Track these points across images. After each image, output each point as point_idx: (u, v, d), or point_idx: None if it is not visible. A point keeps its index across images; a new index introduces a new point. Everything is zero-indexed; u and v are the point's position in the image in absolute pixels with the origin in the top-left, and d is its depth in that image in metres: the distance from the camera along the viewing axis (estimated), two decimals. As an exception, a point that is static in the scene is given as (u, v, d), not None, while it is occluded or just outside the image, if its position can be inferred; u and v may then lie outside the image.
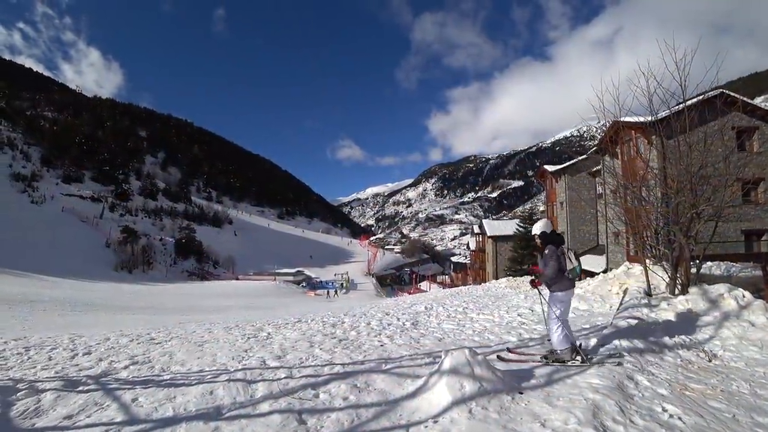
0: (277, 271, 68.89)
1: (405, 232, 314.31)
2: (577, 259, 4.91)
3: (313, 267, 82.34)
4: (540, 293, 5.49)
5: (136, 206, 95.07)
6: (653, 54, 8.01)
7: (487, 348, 6.37)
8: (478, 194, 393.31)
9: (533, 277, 5.22)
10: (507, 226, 46.97)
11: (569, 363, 4.89)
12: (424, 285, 65.31)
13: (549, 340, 5.20)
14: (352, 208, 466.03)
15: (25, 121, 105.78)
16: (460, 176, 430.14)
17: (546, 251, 4.87)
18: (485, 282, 36.94)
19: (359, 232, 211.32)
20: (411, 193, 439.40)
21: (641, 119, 9.53)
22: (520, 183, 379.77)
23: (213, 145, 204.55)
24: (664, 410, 3.75)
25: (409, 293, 50.31)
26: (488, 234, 47.93)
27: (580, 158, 31.65)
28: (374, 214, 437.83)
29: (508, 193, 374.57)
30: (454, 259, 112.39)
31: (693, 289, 7.88)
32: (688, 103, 8.21)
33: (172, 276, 68.14)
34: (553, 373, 4.71)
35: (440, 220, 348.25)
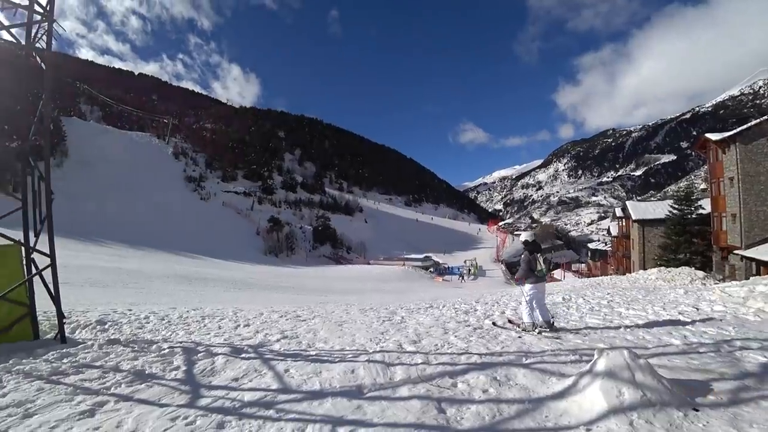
0: (405, 256, 70.88)
1: (535, 216, 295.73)
2: (544, 263, 6.81)
3: (441, 253, 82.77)
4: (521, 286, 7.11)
5: (279, 199, 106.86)
6: None
7: (644, 350, 5.46)
8: (619, 173, 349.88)
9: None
10: (657, 209, 40.58)
11: (529, 332, 6.61)
12: (557, 273, 60.81)
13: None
14: (478, 193, 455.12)
15: (193, 133, 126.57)
16: (597, 153, 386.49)
17: (522, 256, 6.82)
18: (630, 272, 32.68)
19: (486, 217, 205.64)
20: (541, 175, 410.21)
21: None
22: (671, 157, 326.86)
23: (342, 139, 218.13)
24: None
25: (542, 281, 47.23)
26: (633, 218, 42.01)
27: (761, 119, 25.68)
28: (502, 198, 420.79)
29: (655, 170, 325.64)
30: (591, 245, 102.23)
31: None
32: None
33: (311, 260, 75.15)
34: (739, 390, 3.79)
35: (575, 203, 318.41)
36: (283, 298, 19.57)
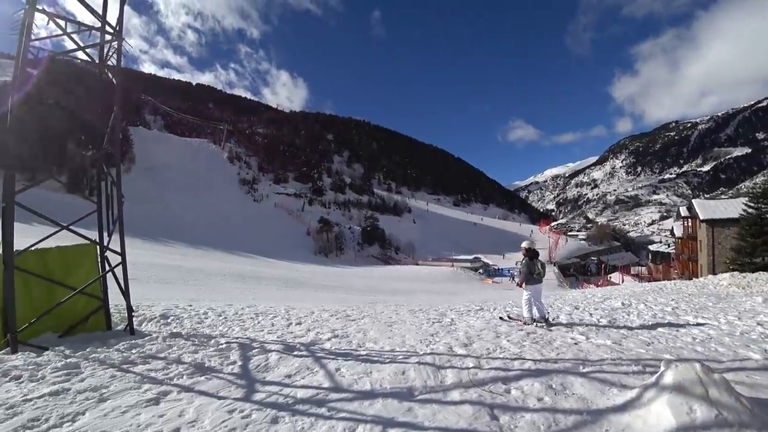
0: (454, 257, 70.04)
1: (590, 216, 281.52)
2: (542, 266, 7.84)
3: (491, 254, 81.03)
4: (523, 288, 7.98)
5: (328, 200, 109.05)
6: None
7: (718, 363, 5.01)
8: (684, 168, 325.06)
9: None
10: (729, 207, 37.12)
11: (528, 325, 7.71)
12: (615, 276, 57.57)
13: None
14: (529, 192, 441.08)
15: (246, 138, 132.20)
16: (658, 148, 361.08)
17: (523, 261, 7.86)
18: (697, 277, 30.28)
19: (538, 217, 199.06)
20: (596, 173, 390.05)
21: None
22: (745, 150, 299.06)
23: (389, 140, 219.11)
24: None
25: (597, 285, 45.21)
26: (701, 217, 38.72)
27: None
28: (554, 197, 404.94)
29: (726, 165, 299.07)
30: (652, 247, 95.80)
31: None
32: None
33: (360, 260, 75.99)
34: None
35: (633, 202, 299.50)
36: (332, 297, 19.92)
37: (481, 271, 60.91)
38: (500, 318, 8.73)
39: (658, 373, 3.66)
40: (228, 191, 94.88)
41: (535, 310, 7.83)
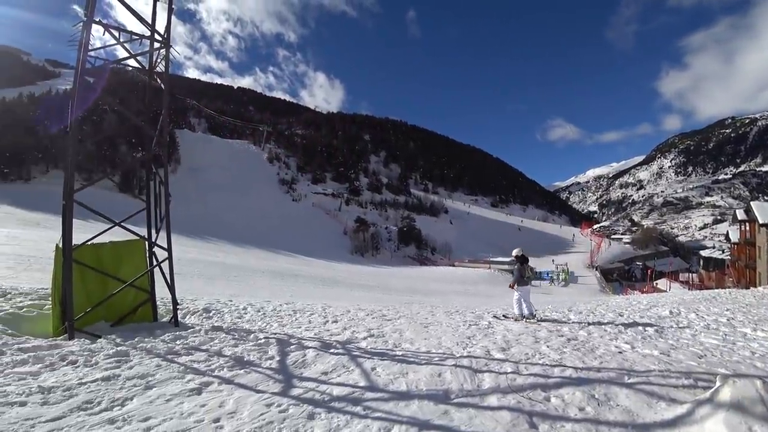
0: (491, 259, 68.75)
1: (636, 219, 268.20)
2: (531, 271, 9.13)
3: (530, 256, 78.96)
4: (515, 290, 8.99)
5: (365, 200, 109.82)
6: None
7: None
8: (740, 168, 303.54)
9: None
10: (794, 210, 34.70)
11: (518, 321, 8.73)
12: (661, 283, 54.67)
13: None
14: (570, 193, 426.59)
15: (285, 139, 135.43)
16: (711, 147, 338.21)
17: (516, 266, 8.89)
18: (756, 286, 28.31)
19: (579, 219, 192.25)
20: (642, 173, 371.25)
21: None
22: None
23: (426, 140, 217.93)
24: None
25: (642, 291, 43.09)
26: (761, 221, 36.17)
27: None
28: (597, 199, 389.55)
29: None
30: (704, 253, 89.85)
31: None
32: None
33: (396, 260, 76.03)
34: None
35: (683, 204, 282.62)
36: (368, 296, 20.04)
37: (519, 273, 59.40)
38: (495, 317, 9.57)
39: (713, 389, 3.44)
40: (267, 191, 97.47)
41: (524, 308, 8.90)
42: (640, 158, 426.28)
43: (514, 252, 9.13)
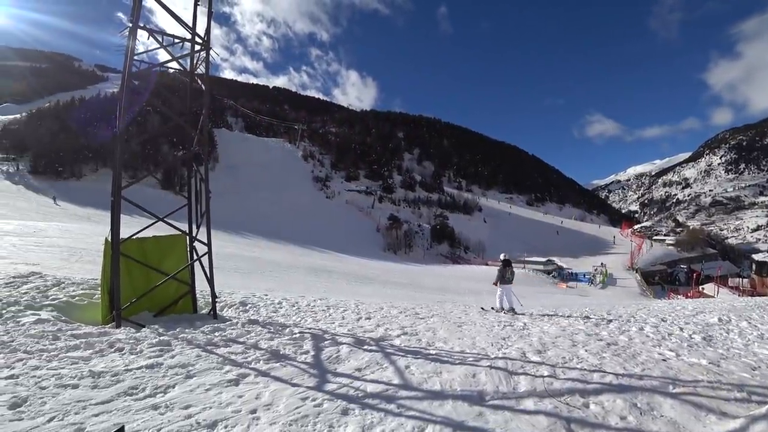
0: (526, 258, 67.27)
1: (681, 219, 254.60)
2: (511, 273, 10.69)
3: (566, 257, 76.80)
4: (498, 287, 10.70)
5: (398, 197, 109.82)
6: None
7: None
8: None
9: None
10: None
11: (498, 312, 10.62)
12: (708, 288, 51.72)
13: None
14: (610, 191, 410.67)
15: (319, 137, 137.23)
16: (767, 143, 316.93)
17: (498, 267, 10.75)
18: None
19: (619, 218, 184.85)
20: (688, 171, 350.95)
21: None
22: None
23: (460, 137, 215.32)
24: None
25: (687, 296, 41.06)
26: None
27: None
28: (638, 198, 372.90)
29: None
30: (757, 256, 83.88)
31: None
32: None
33: (429, 258, 75.69)
34: None
35: (734, 204, 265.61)
36: (401, 294, 20.03)
37: (554, 274, 57.97)
38: (482, 308, 11.45)
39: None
40: (302, 188, 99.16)
41: (505, 302, 10.77)
42: (685, 155, 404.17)
43: (501, 256, 10.92)
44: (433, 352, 5.78)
